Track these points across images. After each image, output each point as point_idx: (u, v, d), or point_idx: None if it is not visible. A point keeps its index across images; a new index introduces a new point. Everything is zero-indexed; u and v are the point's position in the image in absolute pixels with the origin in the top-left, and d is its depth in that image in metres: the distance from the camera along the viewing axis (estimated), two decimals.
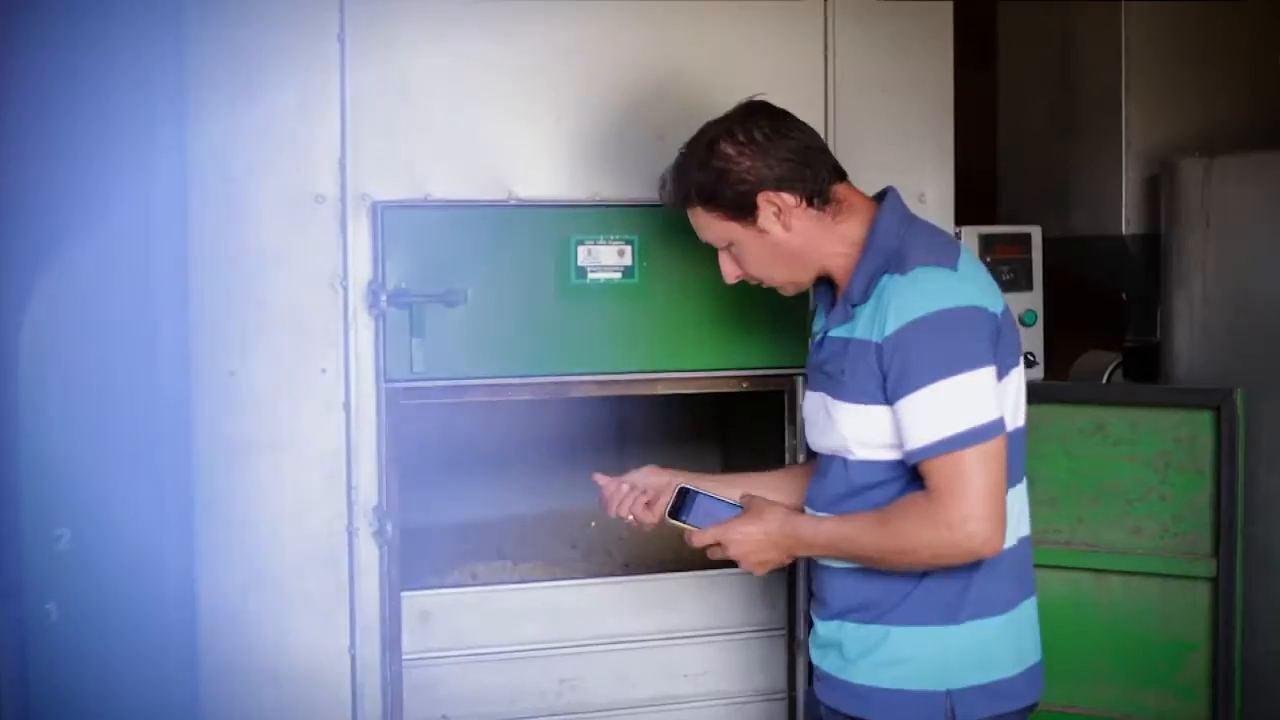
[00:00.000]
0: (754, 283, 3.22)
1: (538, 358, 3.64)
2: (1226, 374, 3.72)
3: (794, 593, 3.88)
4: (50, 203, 3.67)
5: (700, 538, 3.17)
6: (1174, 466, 3.63)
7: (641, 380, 3.75)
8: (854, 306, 3.03)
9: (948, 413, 2.87)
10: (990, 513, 2.86)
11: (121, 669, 3.88)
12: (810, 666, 3.83)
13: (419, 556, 4.01)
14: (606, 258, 3.66)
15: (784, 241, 3.08)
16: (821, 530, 3.05)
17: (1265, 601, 3.63)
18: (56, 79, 3.65)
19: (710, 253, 3.66)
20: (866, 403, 2.98)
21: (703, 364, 3.77)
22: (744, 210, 3.07)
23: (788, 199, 3.05)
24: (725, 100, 3.65)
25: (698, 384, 3.80)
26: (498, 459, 4.57)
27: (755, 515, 3.13)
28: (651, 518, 3.31)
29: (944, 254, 2.99)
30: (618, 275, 3.67)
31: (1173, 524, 3.64)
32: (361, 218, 3.53)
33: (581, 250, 3.64)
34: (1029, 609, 3.08)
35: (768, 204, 3.05)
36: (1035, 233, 4.09)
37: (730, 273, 3.22)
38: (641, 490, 3.33)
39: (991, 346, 2.93)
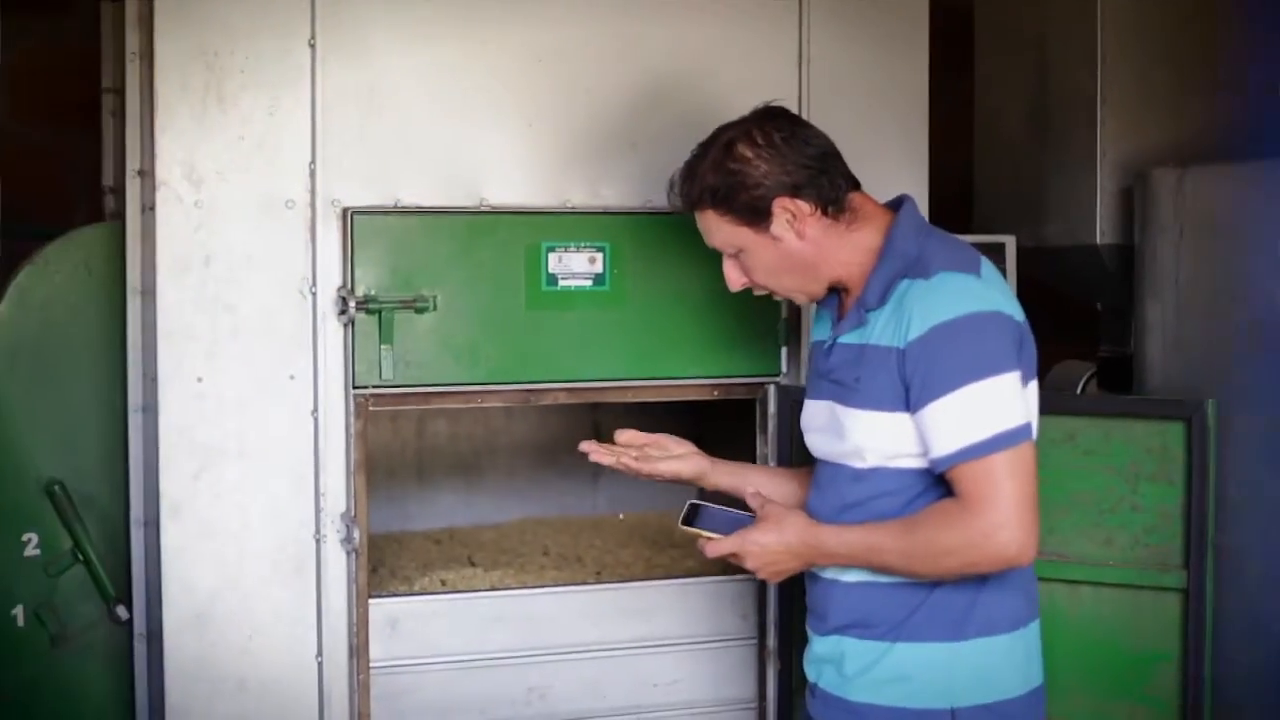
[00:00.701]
0: (759, 291, 3.14)
1: (508, 365, 3.63)
2: (1199, 385, 3.70)
3: (765, 602, 3.87)
4: None
5: (716, 547, 3.05)
6: (1145, 477, 3.61)
7: (612, 388, 3.74)
8: (868, 312, 2.97)
9: (976, 418, 2.82)
10: (1024, 519, 2.81)
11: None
12: (782, 678, 3.86)
13: (388, 563, 4.01)
14: (578, 265, 3.64)
15: (796, 250, 3.01)
16: (846, 540, 2.96)
17: (1236, 613, 3.60)
18: None
19: (683, 260, 3.68)
20: (883, 409, 2.92)
21: (674, 372, 3.75)
22: (757, 216, 2.99)
23: (803, 206, 2.98)
24: (699, 105, 3.67)
25: (668, 392, 3.78)
26: (470, 466, 4.57)
27: (774, 524, 3.03)
28: (642, 468, 3.29)
29: (966, 261, 2.94)
30: (589, 283, 3.65)
31: (1144, 535, 3.61)
32: (331, 223, 3.52)
33: (553, 257, 3.63)
34: (1034, 631, 3.03)
35: (782, 210, 2.98)
36: (1009, 242, 4.08)
37: (736, 280, 3.13)
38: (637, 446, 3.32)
39: (1016, 352, 2.89)
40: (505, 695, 3.71)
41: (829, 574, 3.05)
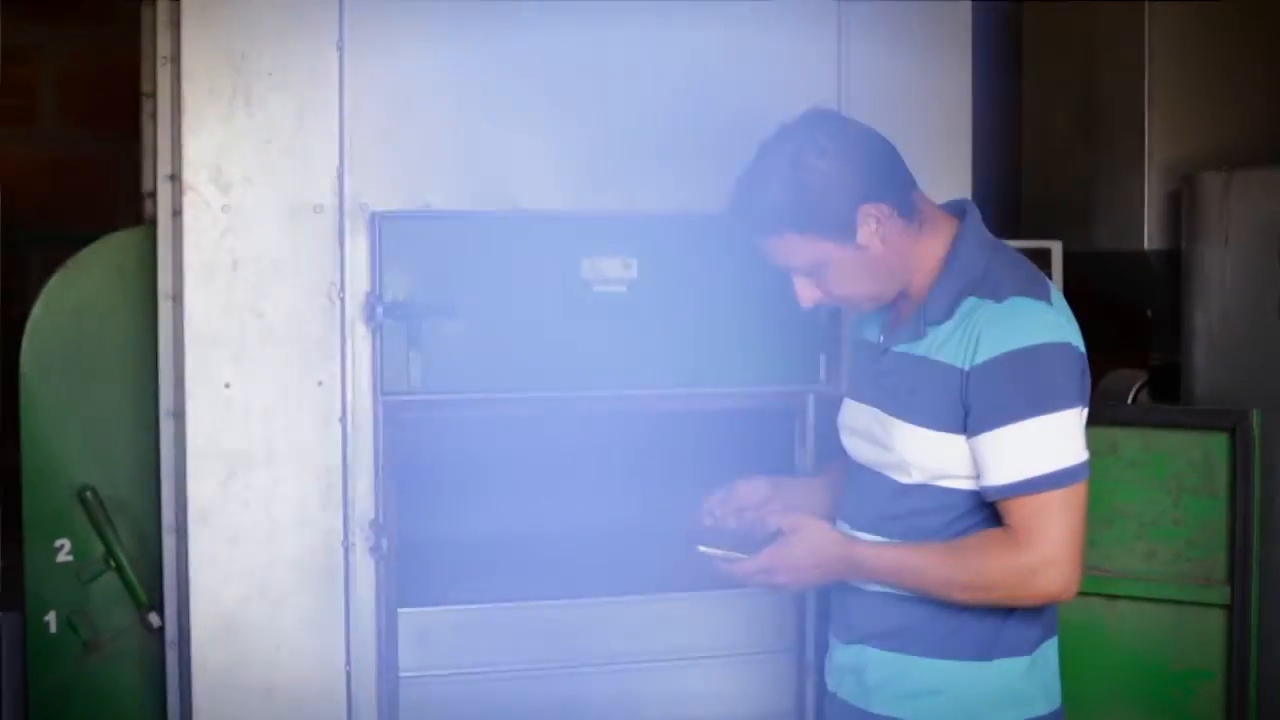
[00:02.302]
0: (829, 304, 3.01)
1: (539, 372, 3.57)
2: (1246, 394, 3.63)
3: (803, 614, 3.80)
4: None
5: (744, 567, 2.95)
6: (1188, 490, 3.54)
7: (645, 397, 3.68)
8: (929, 324, 2.87)
9: (1036, 452, 2.75)
10: (1070, 558, 2.76)
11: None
12: (819, 691, 3.79)
13: (426, 572, 3.97)
14: (611, 271, 3.59)
15: (880, 258, 2.87)
16: (884, 558, 2.89)
17: (1278, 629, 3.53)
18: None
19: (719, 266, 3.63)
20: (937, 428, 2.84)
21: (710, 381, 3.69)
22: (843, 227, 2.83)
23: (884, 209, 2.84)
24: (736, 109, 3.61)
25: (704, 401, 3.72)
26: (519, 474, 4.53)
27: (805, 540, 2.93)
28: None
29: (1038, 286, 2.86)
30: (622, 289, 3.60)
31: (1186, 549, 3.55)
32: (360, 228, 3.48)
33: (585, 263, 3.57)
34: (1051, 649, 2.97)
35: (866, 217, 2.84)
36: (1056, 248, 4.01)
37: (809, 298, 2.96)
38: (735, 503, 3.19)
39: (1080, 385, 2.82)
40: (537, 707, 3.66)
41: (854, 581, 2.98)
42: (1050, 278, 3.95)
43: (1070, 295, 4.00)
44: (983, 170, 3.90)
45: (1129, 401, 4.41)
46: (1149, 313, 4.45)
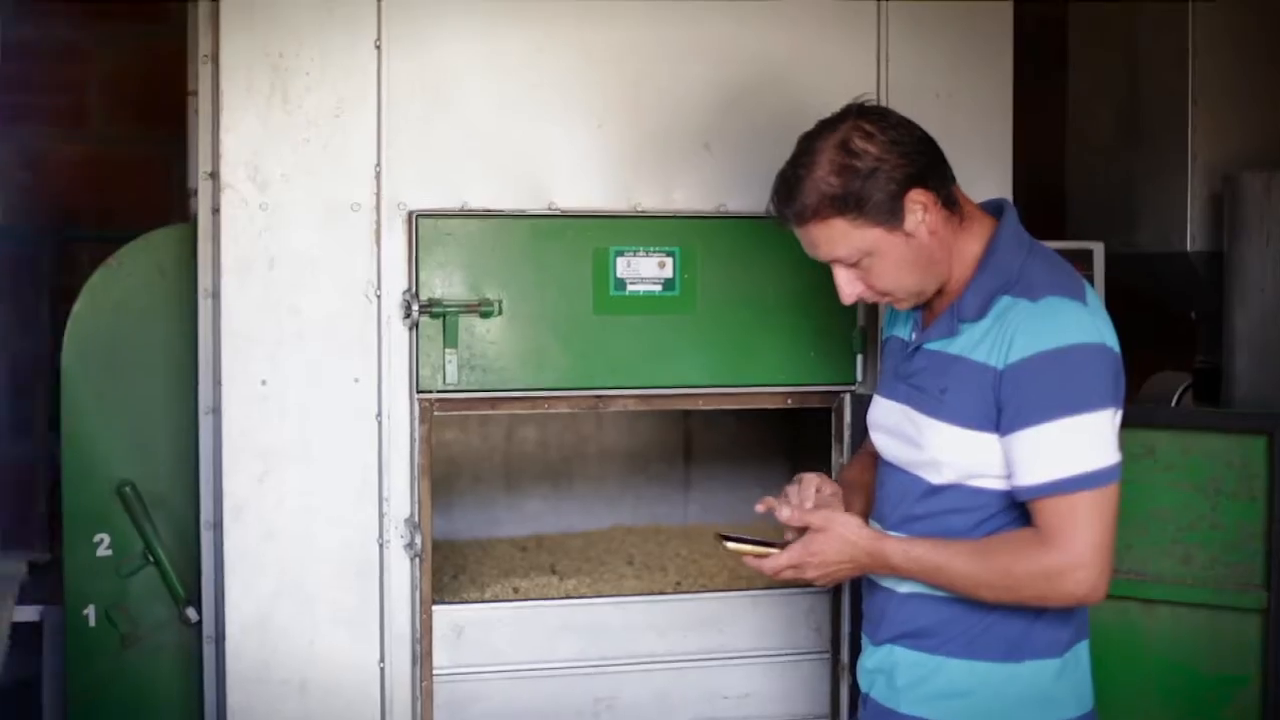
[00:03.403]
0: (871, 299, 2.97)
1: (575, 371, 3.58)
2: None
3: (839, 616, 3.79)
4: None
5: (774, 562, 2.96)
6: (1226, 494, 3.49)
7: (682, 396, 3.68)
8: (962, 323, 2.86)
9: (1067, 453, 2.74)
10: (1099, 560, 2.75)
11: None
12: (855, 693, 3.77)
13: (469, 570, 3.99)
14: (647, 270, 3.59)
15: (927, 247, 2.86)
16: (912, 554, 2.88)
17: None
18: None
19: (756, 265, 3.62)
20: (969, 427, 2.83)
21: (746, 380, 3.68)
22: (892, 213, 2.81)
23: (931, 197, 2.83)
24: (774, 108, 3.61)
25: (740, 400, 3.72)
26: (560, 472, 4.53)
27: (834, 535, 2.92)
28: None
29: (1074, 286, 2.84)
30: (658, 288, 3.60)
31: (1223, 553, 3.50)
32: (397, 226, 3.50)
33: (621, 261, 3.57)
34: (1084, 651, 2.95)
35: (914, 203, 2.82)
36: (1098, 249, 3.96)
37: (853, 292, 2.93)
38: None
39: (1114, 387, 2.80)
40: (571, 705, 3.67)
41: (887, 583, 2.98)
42: (1091, 279, 3.93)
43: (1113, 297, 3.99)
44: (1027, 171, 3.88)
45: (1174, 404, 4.37)
46: (1193, 315, 4.41)
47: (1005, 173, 3.82)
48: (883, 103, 3.67)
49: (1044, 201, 4.42)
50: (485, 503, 4.44)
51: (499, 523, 4.45)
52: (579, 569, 4.00)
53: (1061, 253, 3.79)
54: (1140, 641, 3.59)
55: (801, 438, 4.22)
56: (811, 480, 3.07)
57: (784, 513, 2.99)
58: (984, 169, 3.76)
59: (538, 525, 4.47)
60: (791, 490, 3.05)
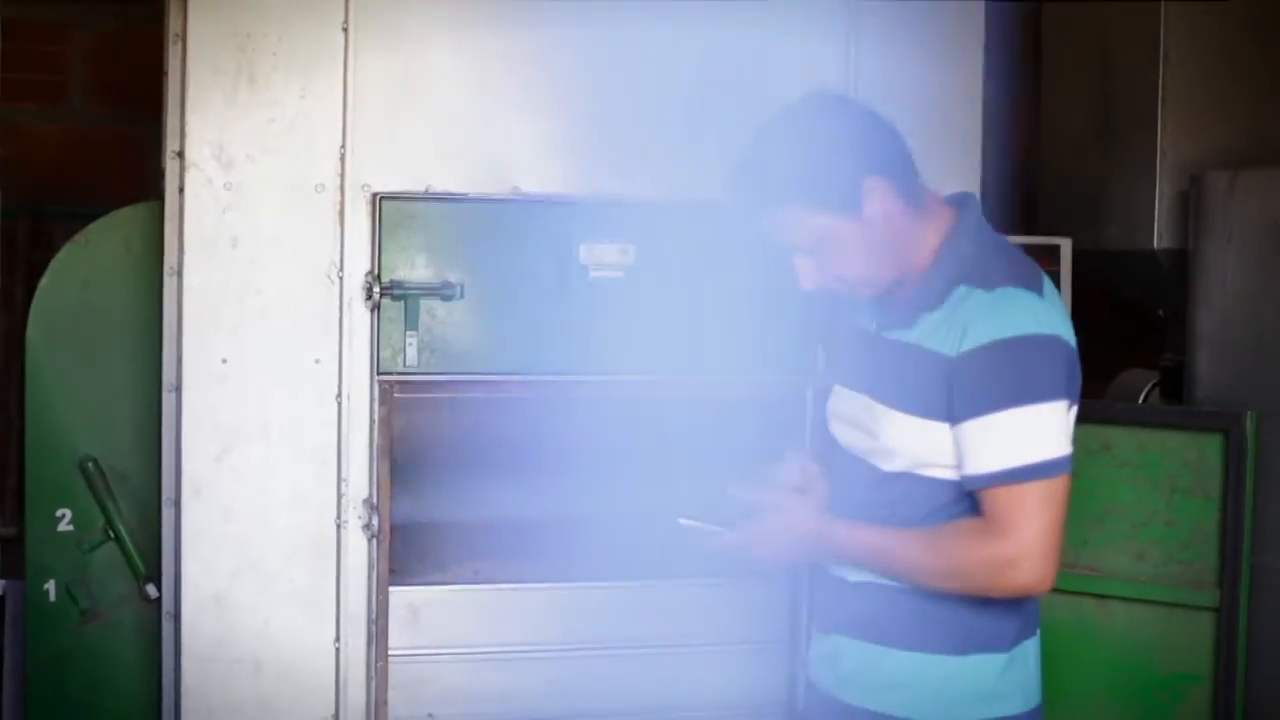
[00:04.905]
0: (830, 288, 2.93)
1: (535, 356, 3.59)
2: (1246, 397, 3.58)
3: (799, 604, 3.79)
4: None
5: (724, 541, 2.96)
6: (1181, 491, 3.50)
7: (641, 383, 3.68)
8: (920, 312, 2.85)
9: (1017, 442, 2.72)
10: (1047, 551, 2.72)
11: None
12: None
13: (434, 553, 3.99)
14: (609, 256, 3.59)
15: (884, 235, 2.83)
16: (859, 539, 2.87)
17: (1271, 634, 3.48)
18: None
19: (718, 255, 3.62)
20: (922, 415, 2.81)
21: (705, 369, 3.69)
22: (847, 199, 2.79)
23: (889, 185, 2.81)
24: (740, 101, 3.59)
25: (699, 389, 3.72)
26: (533, 457, 4.53)
27: (785, 518, 2.93)
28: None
29: (1031, 278, 2.82)
30: (620, 274, 3.60)
31: (1178, 551, 3.51)
32: (361, 208, 3.50)
33: (583, 248, 3.57)
34: (1033, 647, 2.94)
35: (871, 190, 2.80)
36: (1065, 244, 3.98)
37: (810, 280, 2.91)
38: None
39: (1067, 380, 2.78)
40: (526, 689, 3.68)
41: (837, 571, 2.96)
42: (1059, 274, 3.94)
43: (1081, 293, 4.00)
44: (1001, 167, 3.88)
45: (1140, 402, 4.37)
46: (1161, 313, 4.42)
47: (974, 168, 3.81)
48: (853, 95, 3.67)
49: (1018, 197, 4.43)
50: (454, 486, 4.43)
51: (468, 506, 4.45)
52: (542, 554, 4.00)
53: (1029, 247, 3.78)
54: (1093, 638, 3.60)
55: (777, 426, 4.23)
56: (795, 459, 3.07)
57: (738, 491, 3.00)
58: (954, 164, 3.75)
59: (505, 510, 4.45)
60: (767, 469, 3.05)
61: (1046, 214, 4.69)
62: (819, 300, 3.26)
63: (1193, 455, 3.48)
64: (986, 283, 2.79)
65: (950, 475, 2.84)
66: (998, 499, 2.75)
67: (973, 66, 3.83)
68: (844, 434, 3.02)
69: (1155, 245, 4.20)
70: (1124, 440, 3.56)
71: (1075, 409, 2.85)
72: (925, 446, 2.83)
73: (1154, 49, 4.17)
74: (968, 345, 2.76)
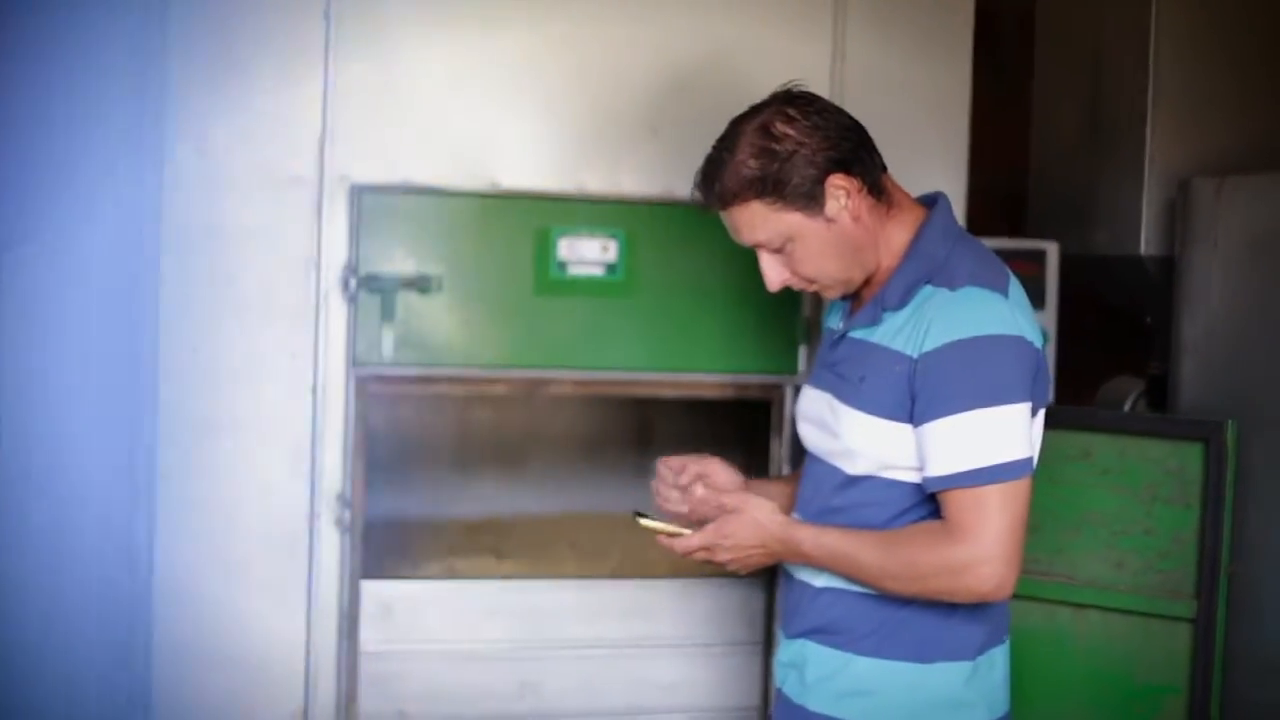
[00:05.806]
0: (799, 287, 2.91)
1: (513, 351, 3.57)
2: (1229, 406, 3.54)
3: (772, 608, 3.77)
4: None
5: (686, 543, 2.91)
6: (1161, 499, 3.46)
7: (621, 382, 3.66)
8: (885, 311, 2.82)
9: (977, 444, 2.69)
10: (1006, 555, 2.69)
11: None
12: None
13: (414, 549, 3.96)
14: (589, 252, 3.57)
15: (849, 233, 2.80)
16: (821, 542, 2.82)
17: (1249, 647, 3.45)
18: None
19: (700, 253, 3.59)
20: (883, 416, 2.77)
21: (687, 368, 3.67)
22: (811, 197, 2.76)
23: (854, 182, 2.78)
24: (724, 94, 3.54)
25: (680, 388, 3.70)
26: (514, 456, 4.51)
27: (747, 519, 2.88)
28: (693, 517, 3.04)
29: (995, 277, 2.78)
30: (600, 271, 3.58)
31: (1157, 560, 3.46)
32: (339, 200, 3.47)
33: (563, 243, 3.56)
34: (1000, 656, 2.90)
35: (835, 188, 2.76)
36: (1051, 249, 3.94)
37: (778, 278, 2.89)
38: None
39: (1030, 382, 2.75)
40: (497, 687, 3.66)
41: (801, 576, 2.93)
42: (1045, 279, 3.91)
43: (1068, 298, 3.96)
44: (989, 169, 3.85)
45: (1127, 409, 4.34)
46: (1148, 320, 4.38)
47: (961, 169, 3.80)
48: (837, 95, 3.65)
49: (1007, 200, 4.40)
50: (435, 483, 4.41)
51: (448, 503, 4.42)
52: (520, 552, 3.98)
53: (1015, 250, 3.75)
54: (1069, 646, 3.55)
55: (759, 426, 4.20)
56: (663, 465, 3.08)
57: (672, 500, 3.03)
58: (939, 162, 3.75)
59: (488, 507, 4.43)
60: (664, 473, 3.07)
61: (1036, 217, 4.65)
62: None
63: (1174, 464, 3.44)
64: (951, 282, 2.76)
65: (912, 478, 2.80)
66: (957, 502, 2.71)
67: (961, 61, 3.81)
68: (809, 434, 2.99)
69: (1142, 251, 4.15)
70: (1104, 447, 3.51)
71: (1041, 411, 2.83)
72: (887, 448, 2.79)
73: (1144, 54, 4.13)
74: (929, 345, 2.72)
